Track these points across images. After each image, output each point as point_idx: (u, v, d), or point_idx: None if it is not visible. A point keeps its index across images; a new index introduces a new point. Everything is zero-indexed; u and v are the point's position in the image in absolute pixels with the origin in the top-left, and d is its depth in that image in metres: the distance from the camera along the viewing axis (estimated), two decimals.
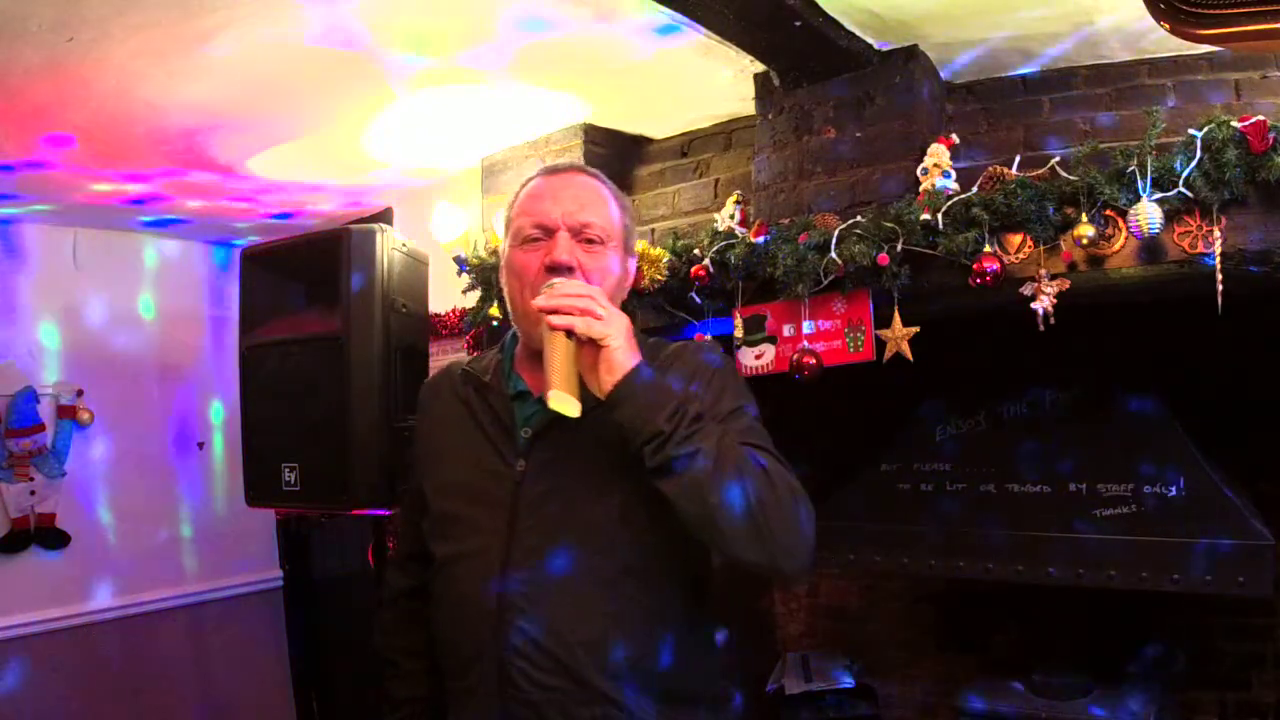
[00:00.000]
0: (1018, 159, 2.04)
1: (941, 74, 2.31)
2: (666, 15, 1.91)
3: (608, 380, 1.24)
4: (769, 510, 1.22)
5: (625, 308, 2.36)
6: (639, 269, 2.34)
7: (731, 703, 1.47)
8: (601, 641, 1.31)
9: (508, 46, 2.15)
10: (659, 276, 2.35)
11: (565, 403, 1.24)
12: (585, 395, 1.27)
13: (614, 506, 1.33)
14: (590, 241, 1.39)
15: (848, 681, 3.03)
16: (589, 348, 1.25)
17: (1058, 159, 1.94)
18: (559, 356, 1.25)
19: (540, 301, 1.27)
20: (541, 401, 1.35)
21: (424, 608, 1.50)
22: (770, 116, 2.41)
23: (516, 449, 1.39)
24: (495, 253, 2.67)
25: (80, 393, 3.56)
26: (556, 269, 1.35)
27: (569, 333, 1.24)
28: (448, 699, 1.45)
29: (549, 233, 1.38)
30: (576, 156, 2.72)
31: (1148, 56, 2.15)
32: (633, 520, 1.32)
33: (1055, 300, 1.87)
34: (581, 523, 1.33)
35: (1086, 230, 1.82)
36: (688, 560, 1.39)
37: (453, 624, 1.40)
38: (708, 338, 2.30)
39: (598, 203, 1.43)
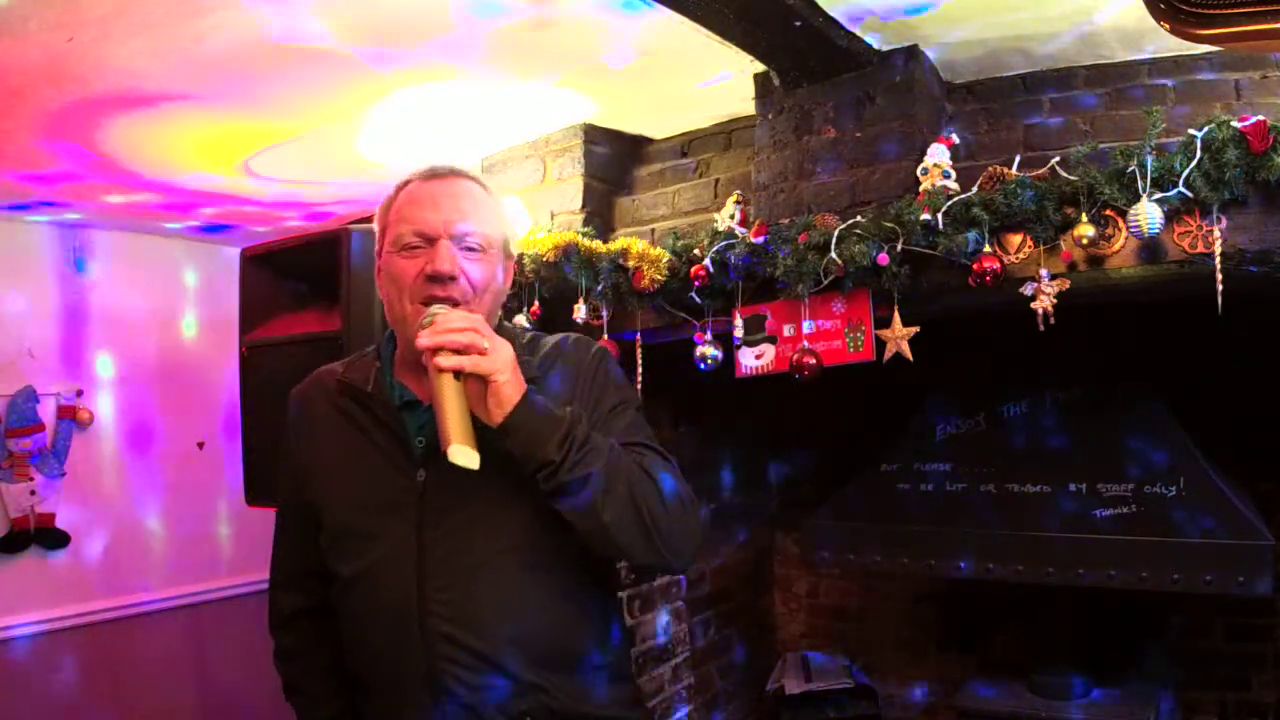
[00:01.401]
0: (1018, 159, 2.04)
1: (941, 74, 2.31)
2: None
3: (497, 414, 1.25)
4: (659, 519, 1.30)
5: (625, 307, 2.41)
6: (639, 269, 2.35)
7: (624, 672, 1.54)
8: (527, 635, 1.34)
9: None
10: (659, 276, 2.35)
11: (466, 456, 1.23)
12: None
13: (521, 506, 1.34)
14: (471, 249, 1.38)
15: (847, 681, 3.04)
16: (475, 381, 1.25)
17: (1058, 159, 1.94)
18: (451, 403, 1.24)
19: (424, 340, 1.25)
20: (432, 410, 1.34)
21: (326, 626, 1.48)
22: (770, 116, 2.41)
23: (414, 459, 1.39)
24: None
25: (80, 393, 3.56)
26: (438, 278, 1.34)
27: (457, 373, 1.24)
28: (372, 717, 1.44)
29: (430, 240, 1.37)
30: (577, 156, 2.72)
31: (1148, 56, 2.15)
32: (540, 517, 1.33)
33: (1055, 300, 1.87)
34: (491, 525, 1.35)
35: (1086, 230, 1.82)
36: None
37: (373, 640, 1.39)
38: (707, 336, 2.31)
39: (479, 210, 1.42)
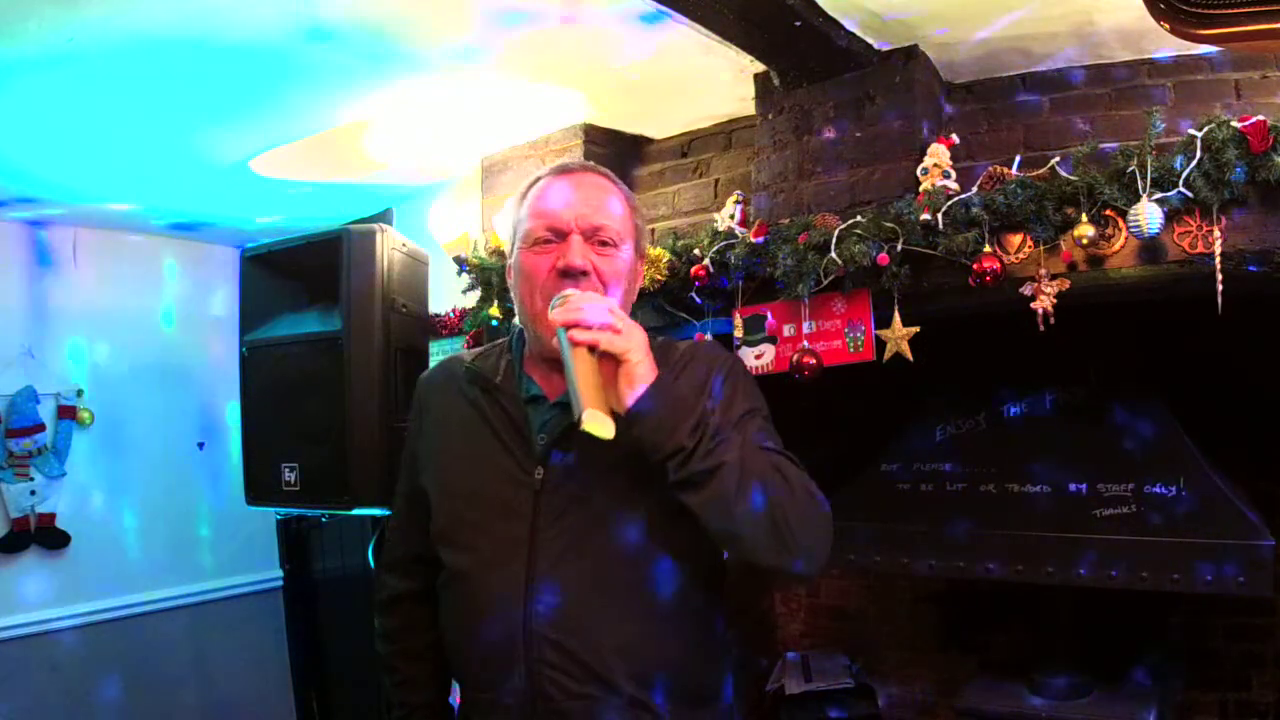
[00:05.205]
0: (1018, 159, 2.04)
1: (941, 74, 2.31)
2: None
3: (628, 394, 1.21)
4: (791, 518, 1.24)
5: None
6: None
7: (726, 693, 1.47)
8: (632, 646, 1.30)
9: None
10: (659, 276, 2.35)
11: (601, 424, 1.19)
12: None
13: (637, 513, 1.31)
14: (603, 244, 1.36)
15: (848, 681, 3.04)
16: (607, 362, 1.23)
17: (1058, 159, 1.94)
18: (586, 374, 1.21)
19: (556, 315, 1.24)
20: (557, 406, 1.35)
21: (430, 612, 1.47)
22: (770, 116, 2.41)
23: (534, 456, 1.36)
24: (495, 253, 2.67)
25: (80, 393, 3.56)
26: (570, 273, 1.32)
27: (591, 349, 1.22)
28: (467, 709, 1.42)
29: (561, 235, 1.35)
30: (576, 156, 2.71)
31: (1148, 57, 2.15)
32: (656, 526, 1.31)
33: (1055, 300, 1.86)
34: (605, 530, 1.31)
35: (1086, 230, 1.82)
36: (706, 559, 1.39)
37: (476, 636, 1.36)
38: (708, 337, 2.30)
39: (610, 204, 1.39)
